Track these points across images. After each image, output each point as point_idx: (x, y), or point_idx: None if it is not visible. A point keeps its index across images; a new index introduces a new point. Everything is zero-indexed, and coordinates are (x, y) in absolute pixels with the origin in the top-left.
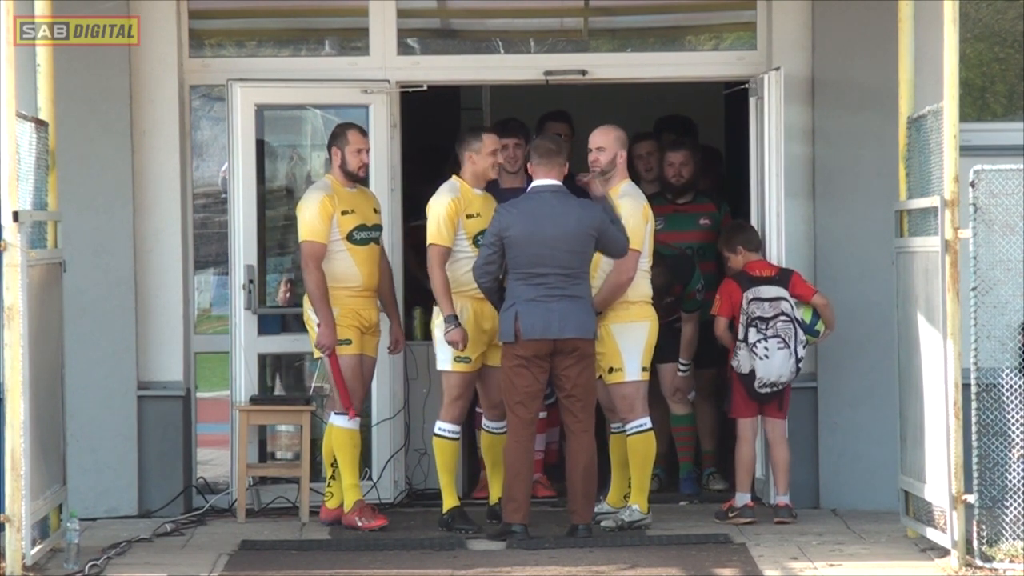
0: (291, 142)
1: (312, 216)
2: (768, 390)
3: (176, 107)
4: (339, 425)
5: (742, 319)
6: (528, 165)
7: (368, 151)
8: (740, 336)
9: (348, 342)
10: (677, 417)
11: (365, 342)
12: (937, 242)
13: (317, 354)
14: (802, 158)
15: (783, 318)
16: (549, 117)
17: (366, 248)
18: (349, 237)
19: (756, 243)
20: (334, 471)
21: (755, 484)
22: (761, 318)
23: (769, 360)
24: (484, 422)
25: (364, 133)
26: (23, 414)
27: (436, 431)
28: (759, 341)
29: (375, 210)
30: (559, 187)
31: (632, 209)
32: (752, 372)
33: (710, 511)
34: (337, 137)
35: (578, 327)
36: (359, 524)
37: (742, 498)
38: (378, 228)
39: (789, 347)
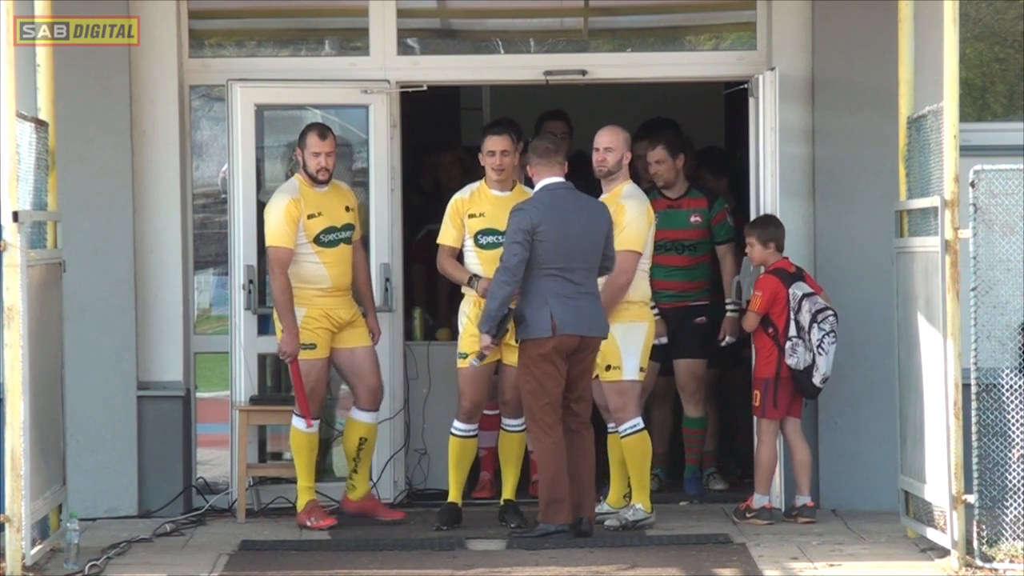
0: (291, 142)
1: (277, 221)
2: (823, 384)
3: (176, 107)
4: (297, 428)
5: (793, 315)
6: (528, 167)
7: (328, 154)
8: (794, 333)
9: (312, 346)
10: (690, 419)
11: (345, 336)
12: (937, 242)
13: (286, 359)
14: (802, 158)
15: (831, 312)
16: (547, 116)
17: (335, 249)
18: (317, 240)
19: (783, 241)
20: (356, 464)
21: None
22: (818, 311)
23: (828, 355)
24: (503, 420)
25: (324, 136)
26: (23, 414)
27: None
28: (824, 336)
29: (347, 208)
30: (570, 185)
31: (637, 211)
32: (809, 368)
33: (711, 511)
34: (300, 138)
35: (603, 326)
36: (308, 524)
37: (760, 499)
38: (349, 227)
39: (837, 340)
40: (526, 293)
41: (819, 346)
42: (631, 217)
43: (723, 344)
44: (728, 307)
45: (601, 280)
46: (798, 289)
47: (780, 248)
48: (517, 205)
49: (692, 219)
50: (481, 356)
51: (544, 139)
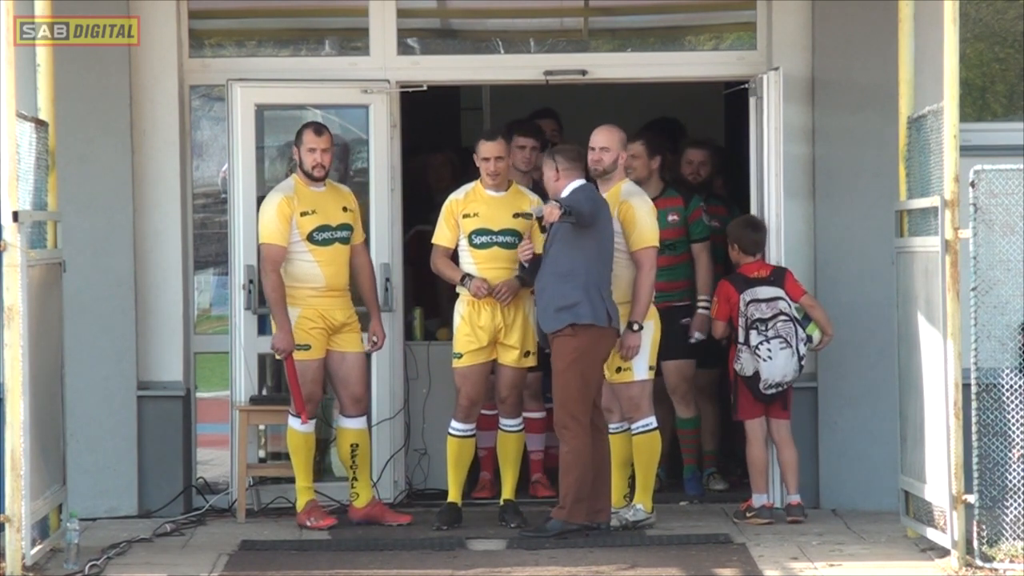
0: (291, 142)
1: (270, 218)
2: (774, 390)
3: (176, 107)
4: (293, 428)
5: (741, 322)
6: (556, 170)
7: (324, 151)
8: (740, 339)
9: (307, 347)
10: (683, 420)
11: (339, 340)
12: (937, 242)
13: (279, 356)
14: (802, 158)
15: (783, 318)
16: (537, 115)
17: (330, 248)
18: (310, 238)
19: (752, 246)
20: (354, 471)
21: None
22: (760, 320)
23: (772, 361)
24: (501, 420)
25: (319, 132)
26: (23, 414)
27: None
28: (761, 343)
29: (344, 208)
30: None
31: (644, 207)
32: (756, 374)
33: (711, 511)
34: (296, 136)
35: None
36: (308, 524)
37: (759, 499)
38: (346, 227)
39: (791, 346)
40: (573, 276)
41: (756, 352)
42: (640, 213)
43: (692, 341)
44: (700, 304)
45: None
46: (748, 295)
47: (749, 250)
48: (583, 187)
49: (670, 218)
50: (540, 218)
51: (569, 145)
